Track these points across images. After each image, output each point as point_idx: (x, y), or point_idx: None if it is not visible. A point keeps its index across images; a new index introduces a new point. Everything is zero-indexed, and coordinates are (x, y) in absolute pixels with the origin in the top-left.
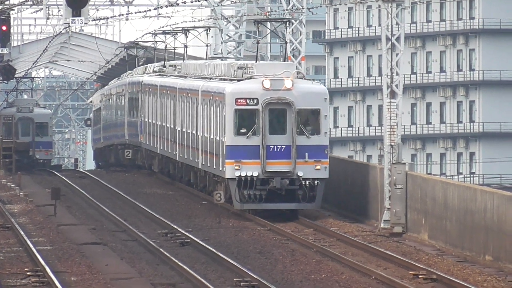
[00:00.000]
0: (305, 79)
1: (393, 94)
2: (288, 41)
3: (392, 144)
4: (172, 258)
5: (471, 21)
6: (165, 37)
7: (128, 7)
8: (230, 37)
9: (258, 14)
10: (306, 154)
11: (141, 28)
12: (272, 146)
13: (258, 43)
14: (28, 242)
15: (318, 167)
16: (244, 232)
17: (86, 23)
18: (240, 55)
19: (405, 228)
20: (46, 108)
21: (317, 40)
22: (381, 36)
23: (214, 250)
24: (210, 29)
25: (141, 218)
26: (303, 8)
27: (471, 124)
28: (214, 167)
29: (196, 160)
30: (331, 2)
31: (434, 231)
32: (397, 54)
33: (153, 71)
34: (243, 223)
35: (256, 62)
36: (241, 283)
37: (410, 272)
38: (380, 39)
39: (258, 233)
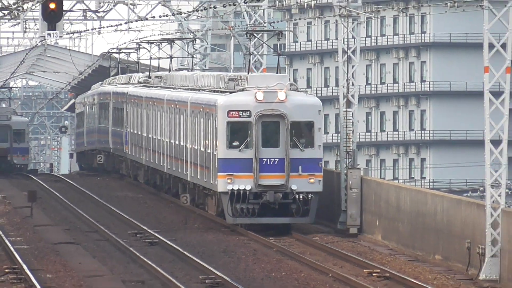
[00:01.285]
0: (298, 91)
1: (349, 104)
2: (249, 53)
3: (348, 150)
4: (141, 257)
5: (423, 35)
6: (150, 47)
7: (100, 22)
8: (196, 49)
9: (222, 29)
10: (300, 167)
11: (112, 41)
12: (265, 159)
13: (250, 54)
14: (6, 241)
15: (312, 180)
16: (209, 233)
17: (60, 37)
18: (205, 66)
19: (360, 229)
20: (23, 116)
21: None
22: (338, 49)
23: (181, 250)
24: (196, 40)
25: (112, 219)
26: (264, 23)
27: (422, 131)
28: (205, 180)
29: (184, 172)
30: (291, 17)
31: (387, 232)
32: (353, 66)
33: (138, 82)
34: (208, 224)
35: (248, 73)
36: (206, 280)
37: (364, 271)
38: (337, 52)
39: (222, 234)
